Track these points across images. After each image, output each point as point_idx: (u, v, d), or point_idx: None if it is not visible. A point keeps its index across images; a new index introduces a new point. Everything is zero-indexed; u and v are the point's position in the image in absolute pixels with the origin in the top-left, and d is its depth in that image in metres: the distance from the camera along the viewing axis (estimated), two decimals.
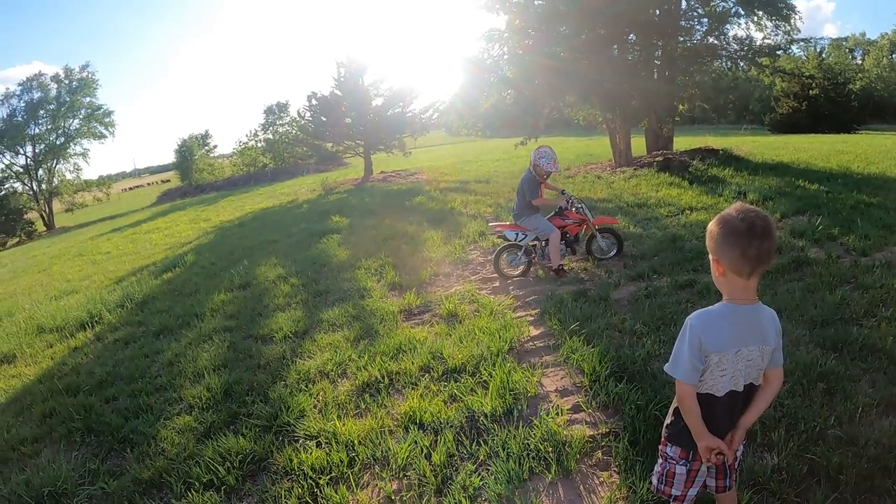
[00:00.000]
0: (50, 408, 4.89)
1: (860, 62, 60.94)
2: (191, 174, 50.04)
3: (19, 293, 11.44)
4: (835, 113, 40.06)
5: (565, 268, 6.77)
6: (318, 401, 4.25)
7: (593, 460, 3.19)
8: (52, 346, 6.85)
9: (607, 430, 3.39)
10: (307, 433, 3.77)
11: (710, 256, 1.94)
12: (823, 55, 46.89)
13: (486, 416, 3.66)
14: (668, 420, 2.19)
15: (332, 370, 4.72)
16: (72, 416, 4.63)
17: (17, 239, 37.52)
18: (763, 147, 18.31)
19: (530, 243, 6.82)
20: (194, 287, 8.42)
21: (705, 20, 15.74)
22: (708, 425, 2.02)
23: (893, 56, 58.23)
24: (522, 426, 3.47)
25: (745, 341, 1.94)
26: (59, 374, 5.79)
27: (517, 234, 6.78)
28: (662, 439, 2.22)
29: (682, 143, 19.09)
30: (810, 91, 39.45)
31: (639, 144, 17.37)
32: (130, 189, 79.14)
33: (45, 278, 12.91)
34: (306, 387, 4.49)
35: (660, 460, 2.24)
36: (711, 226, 1.90)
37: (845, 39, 64.60)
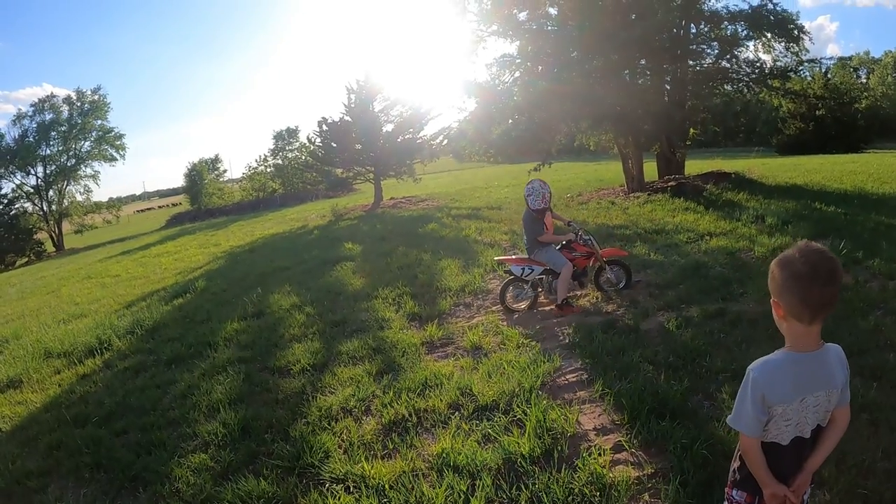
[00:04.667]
0: (57, 439, 4.72)
1: (865, 81, 60.91)
2: (200, 198, 50.44)
3: (27, 314, 11.33)
4: (842, 133, 40.16)
5: (573, 303, 6.56)
6: (342, 440, 4.04)
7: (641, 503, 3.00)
8: (59, 373, 6.69)
9: (653, 470, 3.22)
10: (333, 476, 3.56)
11: (771, 298, 1.86)
12: (829, 75, 46.89)
13: (524, 457, 3.45)
14: (734, 464, 2.11)
15: (355, 406, 4.52)
16: (80, 449, 4.46)
17: (26, 259, 37.76)
18: (774, 169, 18.23)
19: (537, 277, 6.64)
20: (206, 314, 8.25)
21: (715, 44, 15.75)
22: (774, 471, 1.95)
23: None
24: (565, 468, 3.27)
25: (810, 389, 1.86)
26: (67, 402, 5.62)
27: (524, 269, 6.60)
28: (728, 483, 2.14)
29: (691, 167, 19.00)
30: (817, 112, 39.48)
31: (650, 169, 17.28)
32: (140, 212, 79.66)
33: (54, 300, 12.80)
34: (329, 424, 4.28)
35: (725, 503, 2.16)
36: (773, 267, 1.82)
37: (850, 58, 64.52)
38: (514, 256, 6.95)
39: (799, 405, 1.86)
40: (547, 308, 6.63)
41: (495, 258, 7.93)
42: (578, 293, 6.93)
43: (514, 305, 6.76)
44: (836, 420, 1.97)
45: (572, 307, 6.45)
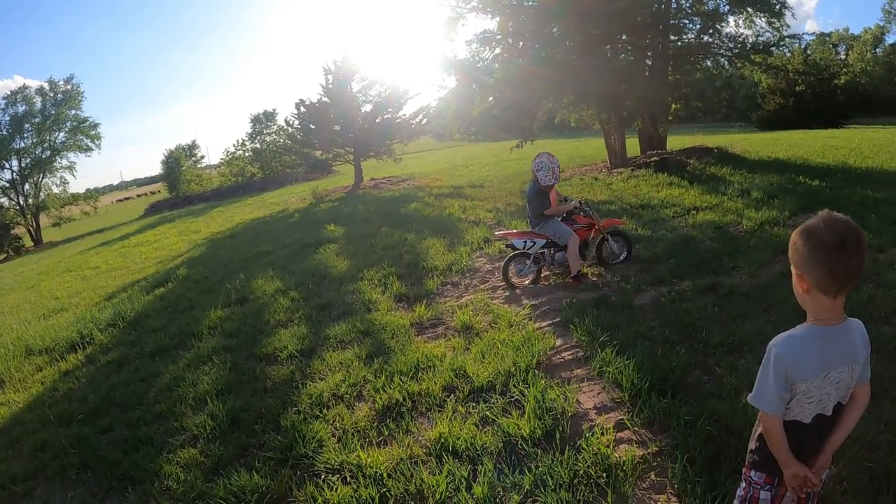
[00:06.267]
0: (42, 440, 4.57)
1: (844, 57, 61.09)
2: (178, 185, 49.79)
3: (6, 311, 11.10)
4: (821, 108, 40.40)
5: (582, 272, 6.52)
6: (335, 428, 3.92)
7: (647, 483, 2.94)
8: (41, 370, 6.50)
9: (657, 448, 3.15)
10: (328, 466, 3.43)
11: (793, 271, 1.76)
12: (808, 51, 46.98)
13: (525, 440, 3.36)
14: (752, 445, 2.04)
15: (346, 392, 4.39)
16: (65, 449, 4.32)
17: (5, 255, 36.82)
18: (756, 144, 18.28)
19: (539, 251, 6.55)
20: (189, 303, 8.08)
21: (697, 18, 15.66)
22: (795, 451, 1.87)
23: (877, 50, 58.49)
24: (568, 450, 3.17)
25: (833, 364, 1.78)
26: (50, 400, 5.45)
27: (525, 242, 6.50)
28: (746, 464, 2.06)
29: (673, 142, 19.03)
30: (797, 87, 39.60)
31: (632, 145, 17.24)
32: (118, 202, 78.39)
33: (34, 295, 12.52)
34: (321, 412, 4.15)
35: (743, 484, 2.08)
36: (796, 238, 1.71)
37: (829, 35, 64.66)
38: (514, 231, 6.81)
39: (822, 381, 1.79)
40: (549, 283, 6.57)
41: (496, 233, 7.81)
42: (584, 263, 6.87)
43: (517, 281, 6.66)
44: (856, 397, 1.91)
45: (587, 277, 6.45)
